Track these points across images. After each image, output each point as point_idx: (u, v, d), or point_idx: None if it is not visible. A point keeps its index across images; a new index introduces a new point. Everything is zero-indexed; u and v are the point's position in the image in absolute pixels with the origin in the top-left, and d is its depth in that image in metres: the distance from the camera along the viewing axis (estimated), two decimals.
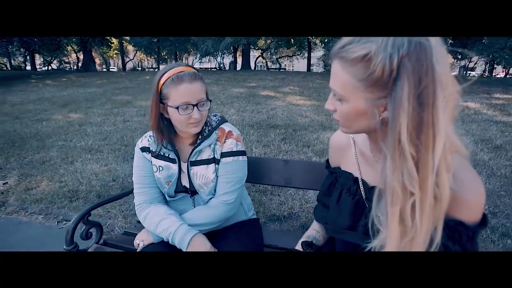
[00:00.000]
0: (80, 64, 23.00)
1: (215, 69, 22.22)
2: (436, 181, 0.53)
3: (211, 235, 0.99)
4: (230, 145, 0.99)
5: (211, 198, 1.01)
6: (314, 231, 0.91)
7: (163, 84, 0.88)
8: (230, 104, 5.64)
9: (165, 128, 0.95)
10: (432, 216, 0.54)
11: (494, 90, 7.40)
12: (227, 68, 26.34)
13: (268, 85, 7.96)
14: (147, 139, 1.02)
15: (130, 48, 29.17)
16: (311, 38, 16.08)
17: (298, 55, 24.97)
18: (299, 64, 33.12)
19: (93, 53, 21.75)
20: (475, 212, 0.58)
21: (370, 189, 0.74)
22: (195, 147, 0.98)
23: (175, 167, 0.99)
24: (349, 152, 0.81)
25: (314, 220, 0.95)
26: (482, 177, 2.70)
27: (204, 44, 15.10)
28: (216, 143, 0.99)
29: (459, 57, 12.26)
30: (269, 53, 25.10)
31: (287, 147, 3.42)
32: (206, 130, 0.99)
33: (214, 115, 1.05)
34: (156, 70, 23.01)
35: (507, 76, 20.99)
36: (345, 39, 0.57)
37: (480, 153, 3.28)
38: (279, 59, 27.76)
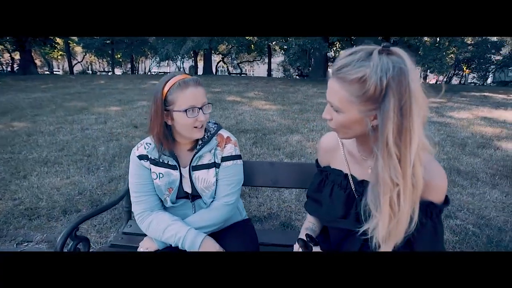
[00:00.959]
0: (15, 66, 20.39)
1: None
2: (412, 172, 0.68)
3: (212, 236, 1.04)
4: (229, 149, 1.06)
5: (212, 201, 1.06)
6: (310, 223, 1.02)
7: (168, 90, 0.92)
8: None
9: (168, 135, 0.99)
10: (411, 200, 0.69)
11: (428, 95, 8.53)
12: (187, 72, 25.81)
13: (233, 90, 8.05)
14: (143, 147, 1.03)
15: (78, 49, 26.79)
16: (271, 44, 16.62)
17: (258, 60, 25.57)
18: (259, 69, 33.88)
19: (32, 54, 19.46)
20: (441, 194, 0.76)
21: (358, 183, 0.87)
22: (197, 152, 1.03)
23: (176, 173, 1.02)
24: (338, 152, 0.94)
25: (308, 214, 1.07)
26: None
27: (165, 47, 14.61)
28: (216, 148, 1.05)
29: None
30: (230, 58, 25.26)
31: (259, 151, 3.54)
32: (205, 136, 1.04)
33: (210, 122, 1.10)
34: (110, 73, 21.50)
35: (437, 82, 24.32)
36: (340, 61, 0.69)
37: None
38: (240, 64, 28.09)
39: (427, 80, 25.68)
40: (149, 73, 21.75)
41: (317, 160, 1.06)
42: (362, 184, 0.87)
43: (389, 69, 0.63)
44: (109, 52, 21.79)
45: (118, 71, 25.98)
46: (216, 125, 1.10)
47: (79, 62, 28.85)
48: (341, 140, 0.94)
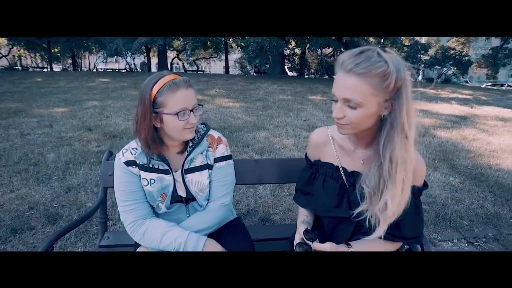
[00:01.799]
0: None
1: (125, 71, 19.97)
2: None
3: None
4: (222, 150, 1.05)
5: (207, 203, 1.03)
6: (304, 216, 1.06)
7: (157, 92, 0.87)
8: None
9: (157, 138, 0.93)
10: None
11: None
12: (138, 69, 24.15)
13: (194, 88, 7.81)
14: (129, 152, 0.96)
15: (1, 41, 22.96)
16: (228, 41, 16.49)
17: (215, 57, 25.14)
18: (216, 66, 33.37)
19: None
20: (422, 177, 0.87)
21: (349, 174, 0.95)
22: (188, 155, 0.99)
23: (168, 178, 0.97)
24: (329, 147, 1.00)
25: (300, 207, 1.11)
26: None
27: (114, 42, 13.39)
28: (208, 150, 1.03)
29: None
30: (185, 55, 24.34)
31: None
32: (195, 138, 1.01)
33: (198, 123, 1.07)
34: (47, 70, 18.93)
35: None
36: (353, 59, 0.74)
37: None
38: (196, 61, 27.25)
39: None
40: (95, 70, 19.74)
41: (306, 155, 1.11)
42: (353, 175, 0.94)
43: (400, 65, 0.72)
44: (44, 45, 19.18)
45: (56, 68, 23.06)
46: (204, 125, 1.08)
47: (4, 56, 24.74)
48: (331, 135, 1.00)
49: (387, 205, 0.81)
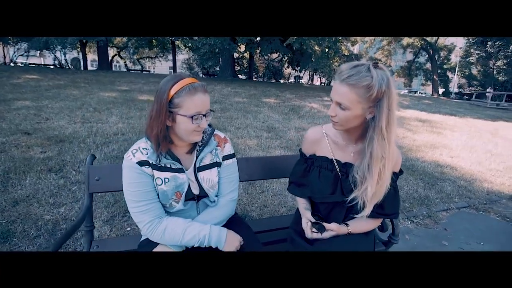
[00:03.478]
0: None
1: (53, 67, 17.43)
2: (390, 150, 0.97)
3: None
4: (228, 148, 1.12)
5: (217, 199, 1.09)
6: (304, 204, 1.21)
7: (175, 93, 0.90)
8: (107, 111, 4.87)
9: (167, 136, 0.96)
10: (390, 169, 0.99)
11: (321, 94, 10.32)
12: (70, 66, 21.36)
13: (144, 89, 7.37)
14: (140, 153, 0.96)
15: None
16: (179, 41, 15.88)
17: (160, 56, 23.91)
18: (161, 67, 31.73)
19: None
20: (398, 166, 1.09)
21: (342, 165, 1.12)
22: (199, 154, 1.04)
23: (183, 176, 1.00)
24: (323, 142, 1.17)
25: (297, 197, 1.25)
26: None
27: None
28: (217, 148, 1.09)
29: (297, 68, 16.03)
30: (128, 53, 22.51)
31: None
32: (203, 138, 1.06)
33: None
34: None
35: (322, 84, 29.44)
36: (347, 72, 0.92)
37: None
38: (140, 60, 25.43)
39: (314, 81, 30.78)
40: (12, 64, 16.65)
41: (301, 151, 1.26)
42: (345, 166, 1.12)
43: (384, 79, 0.90)
44: None
45: None
46: (209, 126, 1.13)
47: None
48: (325, 132, 1.17)
49: (367, 191, 1.00)
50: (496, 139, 6.21)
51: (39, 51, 18.90)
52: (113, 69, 23.31)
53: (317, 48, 10.36)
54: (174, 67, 20.32)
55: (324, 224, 1.05)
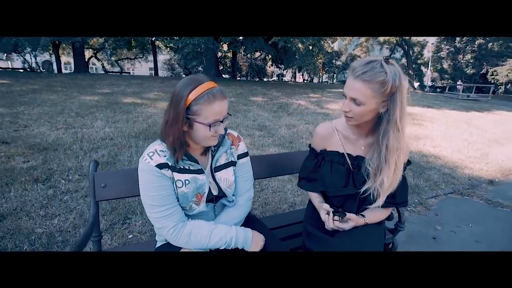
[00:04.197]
0: None
1: (22, 70, 16.40)
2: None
3: None
4: (242, 147, 1.12)
5: (234, 198, 1.08)
6: (318, 198, 1.23)
7: (193, 100, 0.87)
8: (91, 115, 4.67)
9: (184, 142, 0.93)
10: (403, 159, 1.03)
11: (307, 91, 10.46)
12: (42, 69, 20.22)
13: (127, 91, 7.12)
14: (157, 155, 0.93)
15: None
16: (160, 42, 15.48)
17: (140, 57, 23.20)
18: (141, 68, 30.78)
19: None
20: (406, 157, 1.13)
21: (354, 158, 1.15)
22: (215, 154, 1.02)
23: (202, 177, 0.98)
24: (334, 137, 1.19)
25: (309, 192, 1.27)
26: None
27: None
28: (231, 148, 1.08)
29: (281, 66, 16.15)
30: (105, 54, 21.64)
31: None
32: (218, 138, 1.05)
33: None
34: None
35: (304, 81, 29.90)
36: (362, 68, 0.94)
37: None
38: (118, 62, 24.52)
39: (296, 79, 31.19)
40: None
41: (311, 147, 1.28)
42: (357, 159, 1.15)
43: (396, 75, 0.93)
44: None
45: None
46: None
47: None
48: (335, 127, 1.20)
49: (384, 182, 1.04)
50: (470, 128, 6.59)
51: (5, 54, 17.72)
52: (90, 71, 22.33)
53: (301, 46, 10.50)
54: (155, 68, 19.80)
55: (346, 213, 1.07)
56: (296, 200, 2.58)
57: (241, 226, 1.13)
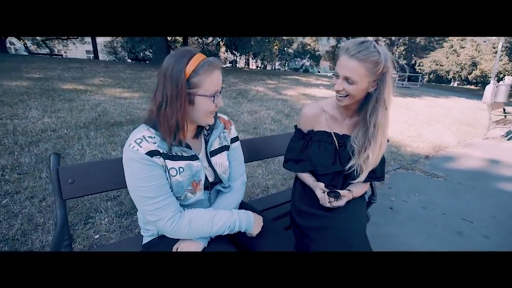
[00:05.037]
0: None
1: None
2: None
3: None
4: (234, 131, 1.08)
5: (229, 184, 1.04)
6: (311, 177, 1.26)
7: (192, 72, 0.80)
8: (22, 104, 3.96)
9: (185, 123, 0.86)
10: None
11: (263, 78, 10.53)
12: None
13: (65, 77, 6.21)
14: (146, 141, 0.83)
15: None
16: None
17: (75, 38, 20.34)
18: (77, 51, 27.08)
19: None
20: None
21: (340, 137, 1.20)
22: (208, 138, 0.97)
23: (197, 164, 0.91)
24: (321, 118, 1.23)
25: (299, 173, 1.29)
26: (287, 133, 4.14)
27: None
28: (224, 131, 1.02)
29: (236, 53, 15.88)
30: None
31: None
32: None
33: None
34: None
35: (257, 68, 30.03)
36: (356, 47, 0.96)
37: (281, 118, 4.86)
38: (47, 42, 21.04)
39: (250, 65, 31.13)
40: None
41: (298, 129, 1.29)
42: (343, 138, 1.21)
43: (387, 56, 0.98)
44: None
45: None
46: None
47: None
48: (322, 108, 1.23)
49: (369, 158, 1.11)
50: (408, 112, 7.48)
51: None
52: (10, 52, 18.68)
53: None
54: (94, 51, 17.59)
55: (339, 191, 1.12)
56: (268, 184, 2.63)
57: None
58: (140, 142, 0.82)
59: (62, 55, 22.50)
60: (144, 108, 4.48)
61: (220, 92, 0.88)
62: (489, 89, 10.99)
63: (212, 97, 0.85)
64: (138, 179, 0.81)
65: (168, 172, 0.86)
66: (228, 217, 0.91)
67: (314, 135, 1.23)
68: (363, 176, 1.16)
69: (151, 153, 0.82)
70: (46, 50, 21.59)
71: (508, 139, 5.61)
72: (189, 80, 0.81)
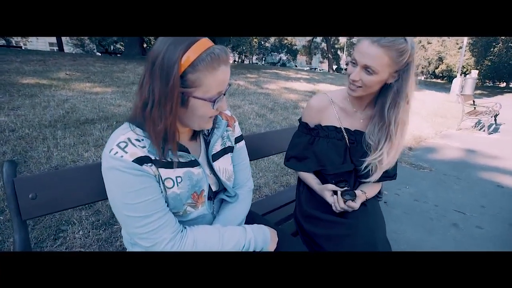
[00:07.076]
0: None
1: None
2: None
3: None
4: (238, 128, 0.91)
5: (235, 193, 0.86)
6: (315, 179, 1.13)
7: (189, 65, 0.60)
8: None
9: (170, 132, 0.65)
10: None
11: (243, 72, 10.29)
12: None
13: (25, 70, 5.58)
14: (132, 145, 0.63)
15: None
16: None
17: None
18: (38, 42, 24.94)
19: None
20: None
21: (351, 133, 1.08)
22: (210, 139, 0.79)
23: (198, 170, 0.73)
24: (330, 110, 1.09)
25: (302, 173, 1.15)
26: (273, 127, 4.02)
27: None
28: (227, 129, 0.85)
29: None
30: None
31: None
32: None
33: None
34: None
35: (235, 61, 29.68)
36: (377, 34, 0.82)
37: (266, 113, 4.72)
38: None
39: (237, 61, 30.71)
40: None
41: (303, 123, 1.15)
42: (355, 133, 1.08)
43: (413, 45, 0.87)
44: None
45: None
46: None
47: None
48: (332, 99, 1.09)
49: (385, 156, 1.00)
50: None
51: None
52: None
53: None
54: (59, 43, 16.24)
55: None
56: (260, 183, 2.48)
57: None
58: (125, 147, 0.62)
59: (21, 47, 20.53)
60: (119, 104, 4.12)
61: (225, 94, 0.69)
62: (456, 82, 11.60)
63: (213, 102, 0.65)
64: (125, 194, 0.62)
65: (163, 184, 0.68)
66: (241, 235, 0.75)
67: (321, 130, 1.10)
68: (376, 176, 1.05)
69: (140, 160, 0.62)
70: (2, 42, 19.57)
71: (479, 129, 5.92)
72: (184, 77, 0.61)
